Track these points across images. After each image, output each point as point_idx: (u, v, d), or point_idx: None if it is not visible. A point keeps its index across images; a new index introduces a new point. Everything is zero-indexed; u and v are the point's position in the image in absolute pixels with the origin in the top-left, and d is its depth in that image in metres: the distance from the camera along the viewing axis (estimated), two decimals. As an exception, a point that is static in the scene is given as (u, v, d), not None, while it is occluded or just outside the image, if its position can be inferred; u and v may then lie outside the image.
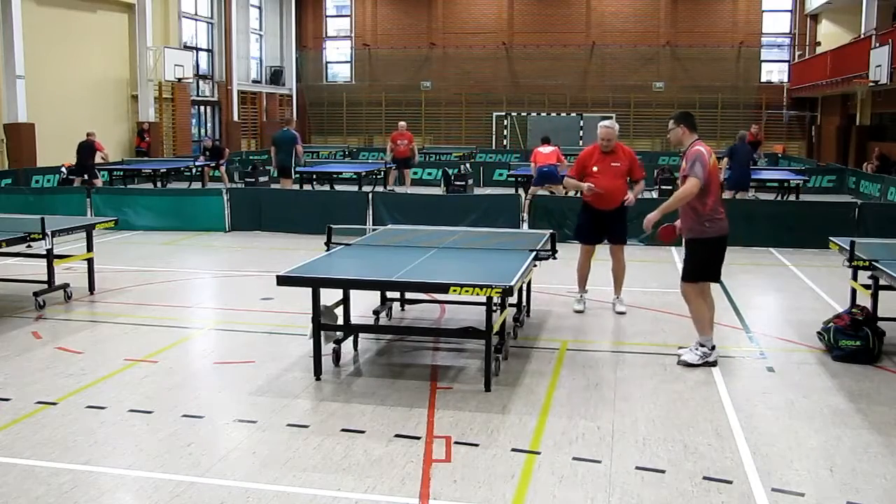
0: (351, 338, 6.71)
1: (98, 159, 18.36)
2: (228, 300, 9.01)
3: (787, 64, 33.13)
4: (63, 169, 18.69)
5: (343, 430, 5.07)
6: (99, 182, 17.82)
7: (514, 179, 18.39)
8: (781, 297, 9.36)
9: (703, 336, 6.49)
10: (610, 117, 7.27)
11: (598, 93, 33.15)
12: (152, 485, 4.31)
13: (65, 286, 8.63)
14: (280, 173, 16.69)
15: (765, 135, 21.42)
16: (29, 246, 8.65)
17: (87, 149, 17.87)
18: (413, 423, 5.19)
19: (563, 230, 12.10)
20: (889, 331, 6.93)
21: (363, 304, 7.77)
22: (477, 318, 7.10)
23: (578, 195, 8.95)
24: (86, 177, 17.81)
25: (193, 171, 21.23)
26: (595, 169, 8.02)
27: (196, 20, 29.16)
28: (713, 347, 6.50)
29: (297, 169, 20.60)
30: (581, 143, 30.47)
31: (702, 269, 6.51)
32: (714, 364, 6.42)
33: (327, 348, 6.28)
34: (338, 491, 4.24)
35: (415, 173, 22.01)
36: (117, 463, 4.57)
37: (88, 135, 18.13)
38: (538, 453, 4.75)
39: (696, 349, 6.49)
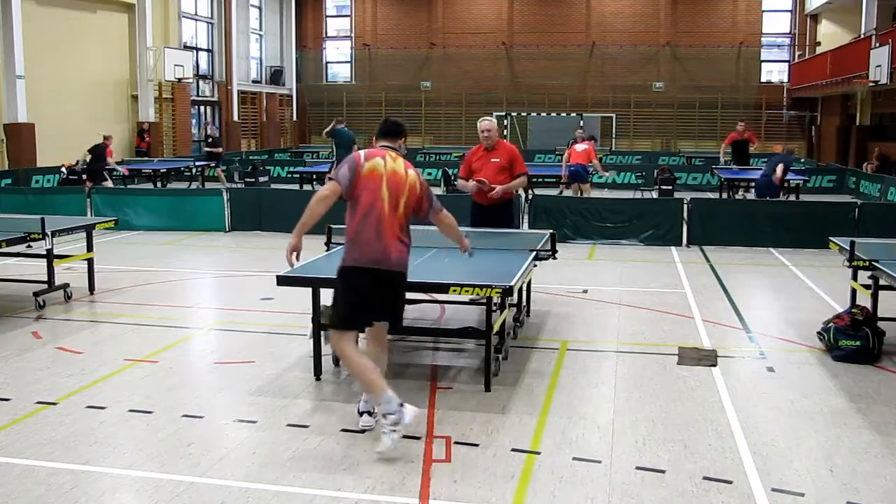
0: (351, 338, 6.70)
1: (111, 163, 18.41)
2: (228, 300, 9.01)
3: (787, 64, 33.09)
4: (63, 169, 18.67)
5: (343, 430, 5.07)
6: (109, 183, 17.76)
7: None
8: (781, 297, 9.35)
9: (376, 395, 4.68)
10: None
11: (598, 93, 33.13)
12: (152, 485, 4.31)
13: (65, 286, 8.63)
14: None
15: (753, 133, 21.26)
16: (29, 246, 8.64)
17: (99, 152, 17.72)
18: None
19: (563, 230, 12.13)
20: (889, 331, 6.93)
21: (363, 304, 7.75)
22: (477, 318, 7.10)
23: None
24: (95, 180, 17.65)
25: (193, 170, 21.24)
26: (476, 166, 8.21)
27: (196, 20, 29.14)
28: (400, 405, 4.63)
29: (297, 169, 20.84)
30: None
31: (341, 308, 4.89)
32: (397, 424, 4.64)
33: (327, 348, 6.27)
34: (338, 491, 4.24)
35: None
36: (117, 463, 4.57)
37: (105, 138, 18.06)
38: (538, 453, 4.75)
39: (385, 420, 4.60)
